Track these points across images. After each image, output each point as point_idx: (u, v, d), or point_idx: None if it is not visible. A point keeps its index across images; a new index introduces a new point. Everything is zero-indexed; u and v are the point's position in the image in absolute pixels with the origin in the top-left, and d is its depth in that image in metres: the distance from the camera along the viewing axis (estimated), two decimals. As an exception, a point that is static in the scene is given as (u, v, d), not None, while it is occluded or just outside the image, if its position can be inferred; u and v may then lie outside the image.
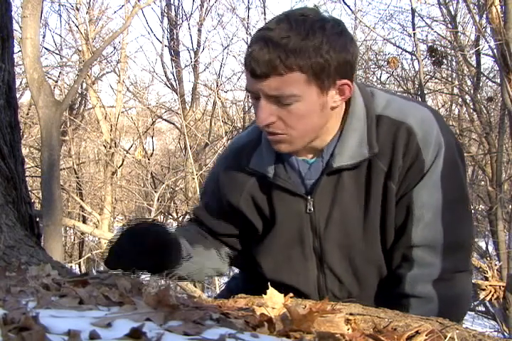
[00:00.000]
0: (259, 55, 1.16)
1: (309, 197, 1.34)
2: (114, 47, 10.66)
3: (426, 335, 1.01)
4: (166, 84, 11.23)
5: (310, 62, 1.17)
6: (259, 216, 1.41)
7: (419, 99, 7.37)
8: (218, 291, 2.19)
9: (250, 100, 1.30)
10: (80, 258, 10.49)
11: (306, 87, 1.20)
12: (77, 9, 10.30)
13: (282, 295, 1.14)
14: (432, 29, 8.54)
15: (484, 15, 6.50)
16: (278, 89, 1.18)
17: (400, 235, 1.33)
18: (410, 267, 1.32)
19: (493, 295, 4.59)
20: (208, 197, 1.52)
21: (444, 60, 7.59)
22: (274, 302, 1.10)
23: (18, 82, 9.23)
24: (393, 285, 1.34)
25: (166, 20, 11.13)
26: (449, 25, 8.41)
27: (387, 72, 9.68)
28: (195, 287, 5.66)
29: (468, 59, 8.09)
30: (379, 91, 1.37)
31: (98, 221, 9.62)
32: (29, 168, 9.58)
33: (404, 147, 1.28)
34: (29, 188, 3.77)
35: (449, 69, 8.96)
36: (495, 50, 5.43)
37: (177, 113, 10.72)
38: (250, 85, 1.22)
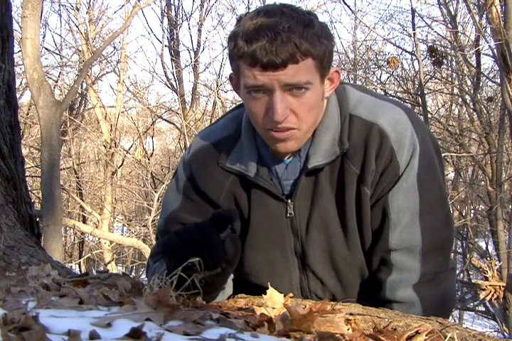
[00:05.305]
0: (273, 45, 1.13)
1: (289, 201, 1.31)
2: (114, 47, 10.70)
3: (426, 335, 1.01)
4: (166, 84, 11.24)
5: (317, 49, 1.17)
6: (239, 215, 1.33)
7: (419, 99, 7.37)
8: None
9: (247, 97, 1.24)
10: (80, 258, 10.51)
11: (315, 75, 1.19)
12: (77, 9, 10.33)
13: (282, 295, 1.14)
14: (432, 29, 8.56)
15: (484, 15, 6.51)
16: (295, 76, 1.16)
17: (377, 239, 1.30)
18: (389, 272, 1.29)
19: (493, 295, 4.59)
20: (182, 198, 1.39)
21: (444, 60, 7.58)
22: (274, 302, 1.10)
23: (18, 82, 9.23)
24: (374, 290, 1.32)
25: (166, 20, 11.15)
26: (449, 25, 8.42)
27: (387, 72, 9.69)
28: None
29: (468, 59, 8.09)
30: (351, 88, 1.34)
31: (98, 221, 9.62)
32: (29, 168, 9.58)
33: (377, 150, 1.24)
34: (29, 188, 3.76)
35: (449, 69, 8.96)
36: (495, 50, 5.44)
37: (177, 113, 10.72)
38: (262, 79, 1.17)
